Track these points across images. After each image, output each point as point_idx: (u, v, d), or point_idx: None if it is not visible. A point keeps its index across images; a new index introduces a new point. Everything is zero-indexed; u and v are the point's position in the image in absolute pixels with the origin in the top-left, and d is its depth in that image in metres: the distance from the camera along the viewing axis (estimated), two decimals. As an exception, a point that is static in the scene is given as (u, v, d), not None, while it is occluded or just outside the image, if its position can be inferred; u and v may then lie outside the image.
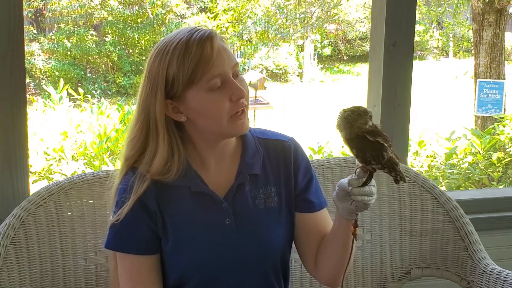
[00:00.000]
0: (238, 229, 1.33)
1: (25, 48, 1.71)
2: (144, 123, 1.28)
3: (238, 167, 1.35)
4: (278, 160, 1.39)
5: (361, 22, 14.43)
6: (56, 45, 13.18)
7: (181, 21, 13.91)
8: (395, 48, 1.95)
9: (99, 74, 13.28)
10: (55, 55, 13.04)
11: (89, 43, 13.43)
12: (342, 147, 5.43)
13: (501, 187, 4.78)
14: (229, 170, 1.35)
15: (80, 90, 8.05)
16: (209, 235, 1.32)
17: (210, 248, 1.32)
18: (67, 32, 13.37)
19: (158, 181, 1.30)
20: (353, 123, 1.19)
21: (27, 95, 2.74)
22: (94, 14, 13.73)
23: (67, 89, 6.76)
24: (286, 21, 10.30)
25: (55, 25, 13.93)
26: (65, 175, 4.98)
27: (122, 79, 13.09)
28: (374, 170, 1.21)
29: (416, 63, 8.18)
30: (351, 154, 1.24)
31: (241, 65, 13.79)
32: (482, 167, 4.93)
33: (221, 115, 1.25)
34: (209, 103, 1.24)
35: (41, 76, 12.62)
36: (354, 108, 1.20)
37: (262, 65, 14.31)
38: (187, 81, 1.23)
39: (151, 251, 1.32)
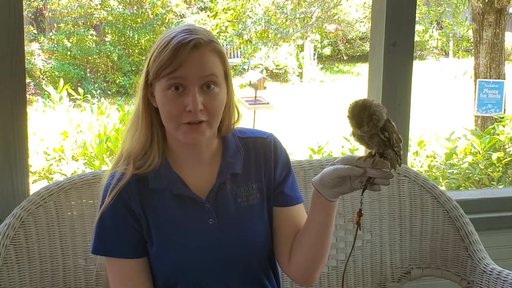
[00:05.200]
0: (221, 228, 1.33)
1: (25, 48, 1.71)
2: (137, 106, 1.34)
3: (219, 167, 1.37)
4: (258, 157, 1.40)
5: (361, 22, 14.42)
6: (56, 45, 13.16)
7: (181, 21, 13.90)
8: (395, 48, 1.95)
9: (99, 74, 13.26)
10: (55, 55, 13.02)
11: (89, 43, 13.42)
12: (342, 147, 5.43)
13: (501, 187, 4.78)
14: (210, 170, 1.36)
15: (80, 90, 8.04)
16: (193, 237, 1.33)
17: (195, 249, 1.32)
18: (67, 32, 13.35)
19: (140, 182, 1.32)
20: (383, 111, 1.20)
21: (27, 95, 2.74)
22: (94, 14, 13.71)
23: (67, 89, 6.75)
24: (286, 20, 10.30)
25: (55, 25, 13.92)
26: (65, 175, 4.97)
27: (122, 79, 13.08)
28: (387, 155, 1.22)
29: (416, 63, 8.19)
30: (364, 145, 1.22)
31: (240, 65, 13.78)
32: (482, 167, 4.92)
33: (169, 117, 1.29)
34: (163, 101, 1.29)
35: (41, 76, 12.61)
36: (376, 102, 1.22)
37: (262, 65, 14.29)
38: (155, 74, 1.28)
39: (139, 254, 1.32)
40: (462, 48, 13.05)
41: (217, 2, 10.48)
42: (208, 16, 11.59)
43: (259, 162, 1.40)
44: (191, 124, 1.27)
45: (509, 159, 4.99)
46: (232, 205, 1.36)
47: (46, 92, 7.57)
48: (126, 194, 1.31)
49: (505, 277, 1.56)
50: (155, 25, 13.55)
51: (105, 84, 13.17)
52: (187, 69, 1.26)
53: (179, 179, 1.34)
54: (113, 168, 1.36)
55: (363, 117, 1.17)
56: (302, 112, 11.69)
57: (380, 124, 1.19)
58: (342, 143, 5.40)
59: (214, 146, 1.38)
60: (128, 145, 1.34)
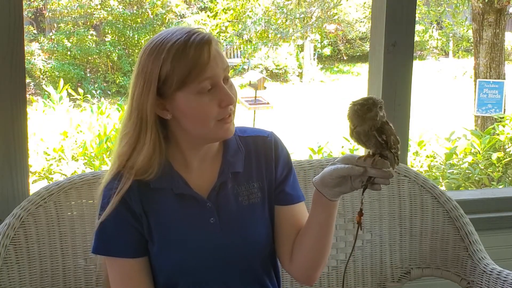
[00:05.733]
0: (222, 227, 1.33)
1: (25, 48, 1.71)
2: (138, 119, 1.27)
3: (220, 166, 1.36)
4: (259, 156, 1.40)
5: (361, 22, 14.42)
6: (56, 45, 13.17)
7: (181, 21, 13.91)
8: (395, 48, 1.95)
9: (99, 74, 13.27)
10: (55, 55, 13.03)
11: (89, 43, 13.42)
12: (342, 147, 5.44)
13: (501, 187, 4.78)
14: (211, 169, 1.36)
15: (80, 90, 8.04)
16: (194, 236, 1.32)
17: (196, 248, 1.32)
18: (67, 32, 13.36)
19: (141, 183, 1.30)
20: (365, 116, 1.20)
21: (27, 95, 2.74)
22: (94, 14, 13.72)
23: (67, 89, 6.75)
24: (286, 20, 10.31)
25: (55, 25, 13.92)
26: (65, 175, 4.97)
27: (122, 79, 13.08)
28: (386, 155, 1.22)
29: (416, 63, 8.19)
30: (362, 146, 1.22)
31: (240, 65, 13.79)
32: (482, 167, 4.93)
33: (208, 119, 1.26)
34: (197, 106, 1.25)
35: (41, 76, 12.61)
36: (363, 100, 1.21)
37: (262, 65, 14.30)
38: (180, 83, 1.23)
39: (140, 254, 1.32)
40: (462, 48, 13.05)
41: (217, 2, 10.49)
42: (208, 16, 11.59)
43: (260, 161, 1.40)
44: (225, 118, 1.27)
45: (509, 159, 4.99)
46: (234, 204, 1.35)
47: (46, 92, 7.56)
48: (127, 195, 1.30)
49: (505, 277, 1.56)
50: (155, 25, 13.55)
51: (105, 84, 13.17)
52: (213, 66, 1.24)
53: (181, 178, 1.33)
54: (111, 177, 1.32)
55: (359, 112, 1.19)
56: (302, 112, 11.69)
57: (377, 124, 1.19)
58: (342, 143, 5.40)
59: (215, 145, 1.37)
60: (134, 160, 1.29)
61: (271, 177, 1.40)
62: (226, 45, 12.32)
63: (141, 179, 1.30)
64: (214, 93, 1.25)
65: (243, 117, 9.46)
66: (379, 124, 1.20)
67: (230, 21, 10.40)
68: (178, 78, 1.23)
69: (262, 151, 1.40)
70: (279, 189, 1.41)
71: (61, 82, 6.92)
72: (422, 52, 15.05)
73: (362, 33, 15.01)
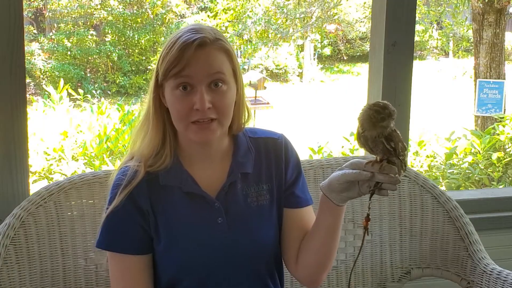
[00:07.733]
0: (230, 228, 1.33)
1: (25, 48, 1.71)
2: (146, 108, 1.34)
3: (230, 166, 1.36)
4: (269, 157, 1.40)
5: (361, 22, 14.43)
6: (56, 45, 13.18)
7: (181, 21, 13.92)
8: (395, 48, 1.95)
9: (99, 74, 13.29)
10: (55, 55, 13.04)
11: (89, 43, 13.44)
12: (342, 147, 5.44)
13: (501, 187, 4.78)
14: (221, 169, 1.36)
15: (80, 90, 8.06)
16: (201, 235, 1.32)
17: (202, 248, 1.32)
18: (67, 32, 13.38)
19: (150, 180, 1.32)
20: (377, 123, 1.22)
21: (27, 95, 2.74)
22: (94, 14, 13.74)
23: (67, 89, 6.77)
24: (286, 20, 10.31)
25: (55, 25, 13.94)
26: (65, 175, 4.98)
27: (122, 79, 13.10)
28: (393, 161, 1.23)
29: (416, 63, 8.18)
30: (369, 151, 1.23)
31: (241, 65, 13.78)
32: (482, 167, 4.93)
33: (179, 116, 1.29)
34: (172, 100, 1.29)
35: (41, 76, 12.63)
36: (379, 107, 1.23)
37: (262, 64, 14.32)
38: (163, 75, 1.28)
39: (143, 251, 1.32)
40: (462, 48, 13.06)
41: (217, 2, 10.50)
42: (208, 16, 11.61)
43: (270, 162, 1.40)
44: (201, 123, 1.27)
45: (509, 159, 4.99)
46: (242, 205, 1.35)
47: (46, 92, 7.58)
48: (135, 191, 1.31)
49: (505, 277, 1.56)
50: (155, 25, 13.57)
51: (105, 84, 13.19)
52: (193, 68, 1.26)
53: (190, 177, 1.34)
54: (123, 164, 1.36)
55: (372, 118, 1.20)
56: (302, 112, 11.70)
57: (386, 132, 1.19)
58: (342, 143, 5.40)
59: (224, 145, 1.38)
60: (139, 146, 1.34)
61: (281, 179, 1.40)
62: (226, 45, 12.30)
63: (151, 172, 1.32)
64: (191, 95, 1.27)
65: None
66: (388, 132, 1.20)
67: (230, 21, 10.40)
68: (162, 70, 1.28)
69: (272, 153, 1.41)
70: (289, 192, 1.41)
71: (61, 82, 6.93)
72: (422, 52, 15.06)
73: (362, 33, 15.02)
